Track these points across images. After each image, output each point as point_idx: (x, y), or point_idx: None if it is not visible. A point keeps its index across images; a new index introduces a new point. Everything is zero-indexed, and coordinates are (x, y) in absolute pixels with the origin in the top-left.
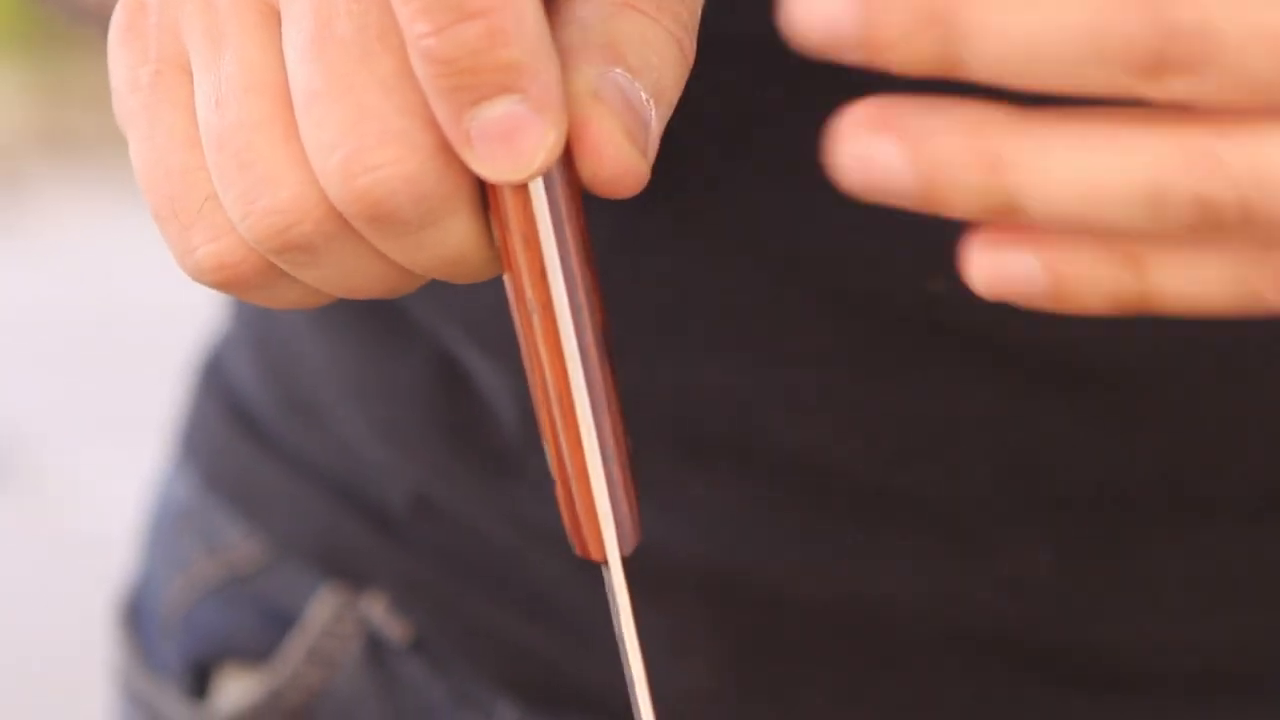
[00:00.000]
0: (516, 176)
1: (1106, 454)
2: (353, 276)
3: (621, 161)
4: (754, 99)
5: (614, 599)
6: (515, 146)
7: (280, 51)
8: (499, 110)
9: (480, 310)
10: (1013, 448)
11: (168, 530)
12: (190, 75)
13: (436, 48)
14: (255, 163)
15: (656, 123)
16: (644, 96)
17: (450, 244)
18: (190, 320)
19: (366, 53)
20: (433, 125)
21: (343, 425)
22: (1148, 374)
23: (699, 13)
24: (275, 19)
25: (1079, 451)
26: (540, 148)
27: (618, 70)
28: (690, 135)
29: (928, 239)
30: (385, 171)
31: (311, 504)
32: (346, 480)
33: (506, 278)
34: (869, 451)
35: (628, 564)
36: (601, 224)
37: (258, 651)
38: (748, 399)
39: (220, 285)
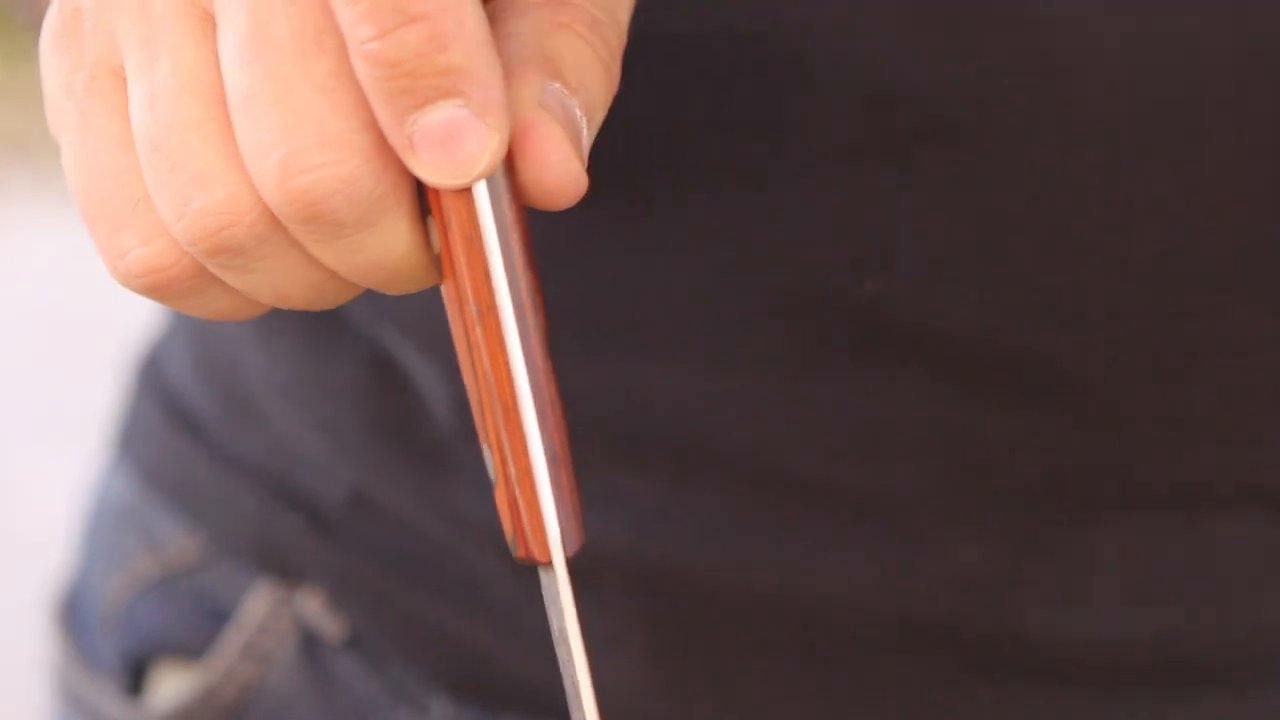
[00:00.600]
0: (459, 181)
1: (1043, 451)
2: (284, 282)
3: (567, 170)
4: (696, 102)
5: (558, 601)
6: (457, 150)
7: (215, 55)
8: (441, 114)
9: (416, 309)
10: (951, 445)
11: (106, 528)
12: (124, 80)
13: (380, 51)
14: (189, 163)
15: (587, 141)
16: (578, 113)
17: (386, 248)
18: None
19: (303, 54)
20: (370, 127)
21: (279, 423)
22: (1082, 372)
23: (625, 39)
24: (211, 24)
25: (1016, 448)
26: (483, 152)
27: (556, 84)
28: (631, 138)
29: (864, 241)
30: (324, 172)
31: (248, 501)
32: (283, 477)
33: (446, 284)
34: (808, 449)
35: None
36: (542, 226)
37: (194, 647)
38: (687, 398)
39: (149, 290)
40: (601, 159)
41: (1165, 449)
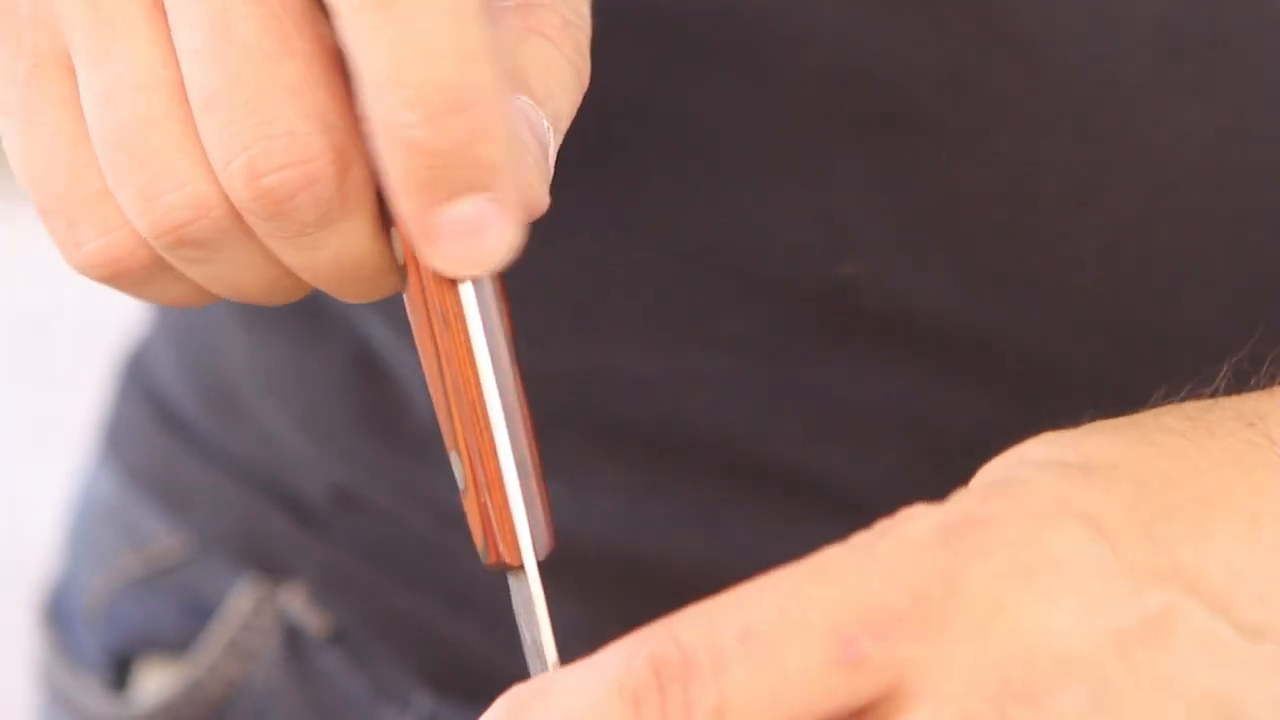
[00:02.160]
0: (473, 272)
1: (1016, 434)
2: (242, 276)
3: (532, 199)
4: (661, 85)
5: (530, 608)
6: (480, 244)
7: (171, 48)
8: (469, 209)
9: (401, 301)
10: (925, 429)
11: (90, 525)
12: (70, 70)
13: (422, 140)
14: (153, 160)
15: (553, 149)
16: (545, 125)
17: (346, 248)
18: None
19: (270, 57)
20: (335, 129)
21: (263, 418)
22: (1052, 355)
23: (590, 34)
24: (161, 13)
25: (989, 431)
26: (503, 245)
27: (523, 98)
28: (604, 121)
29: (836, 225)
30: (290, 172)
31: (232, 497)
32: (267, 473)
33: (411, 292)
34: (781, 434)
35: (541, 565)
36: None
37: (178, 643)
38: (660, 382)
39: (107, 279)
40: (569, 141)
41: None
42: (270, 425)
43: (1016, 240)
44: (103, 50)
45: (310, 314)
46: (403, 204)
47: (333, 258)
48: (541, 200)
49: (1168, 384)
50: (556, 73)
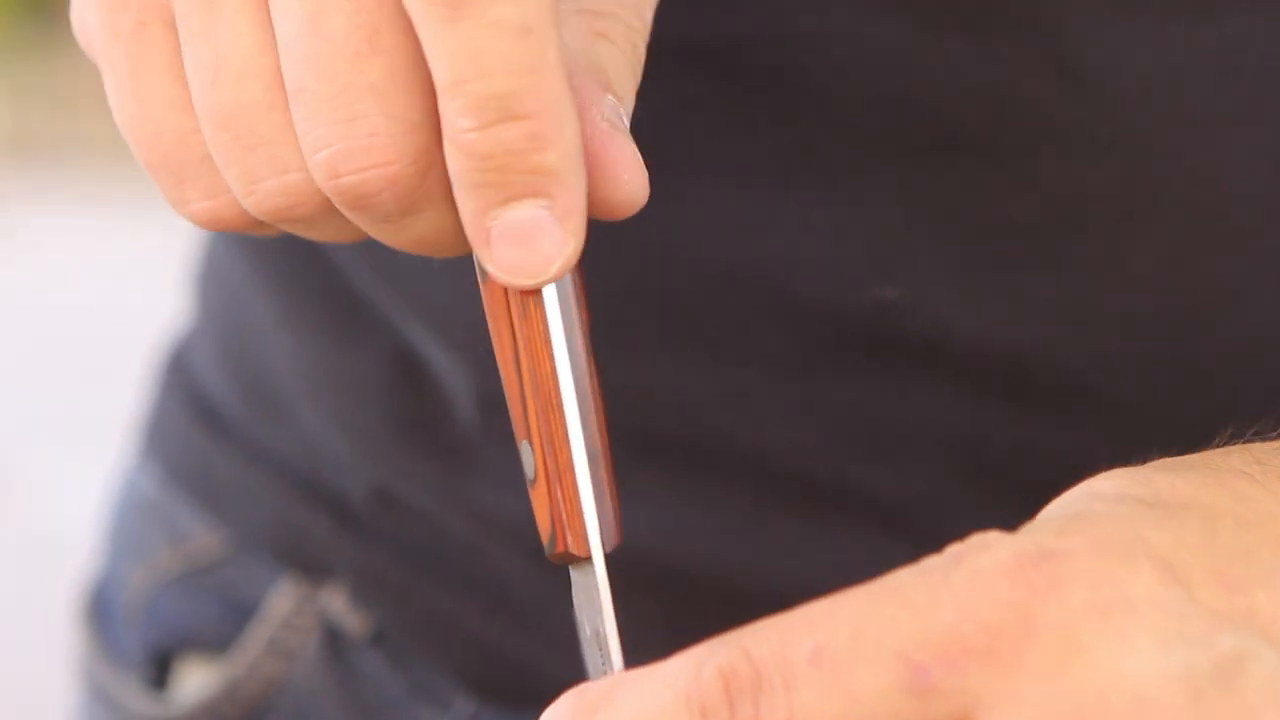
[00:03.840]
0: (528, 281)
1: (1057, 456)
2: (339, 236)
3: (638, 187)
4: (710, 106)
5: (595, 598)
6: (534, 251)
7: (271, 33)
8: (525, 213)
9: (442, 304)
10: (965, 449)
11: (131, 523)
12: (175, 32)
13: (476, 143)
14: (259, 147)
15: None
16: (626, 123)
17: (429, 229)
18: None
19: (358, 55)
20: (419, 129)
21: (304, 419)
22: (1094, 380)
23: (648, 42)
24: None
25: (1029, 453)
26: (558, 255)
27: (610, 98)
28: (649, 141)
29: (879, 248)
30: (370, 174)
31: (273, 497)
32: (308, 474)
33: (486, 280)
34: (818, 450)
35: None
36: None
37: (218, 642)
38: (699, 398)
39: (211, 229)
40: None
41: (1177, 455)
42: (310, 426)
43: (1065, 265)
44: (207, 28)
45: (350, 315)
46: (462, 205)
47: (417, 237)
48: (644, 192)
49: (1213, 410)
50: (625, 76)
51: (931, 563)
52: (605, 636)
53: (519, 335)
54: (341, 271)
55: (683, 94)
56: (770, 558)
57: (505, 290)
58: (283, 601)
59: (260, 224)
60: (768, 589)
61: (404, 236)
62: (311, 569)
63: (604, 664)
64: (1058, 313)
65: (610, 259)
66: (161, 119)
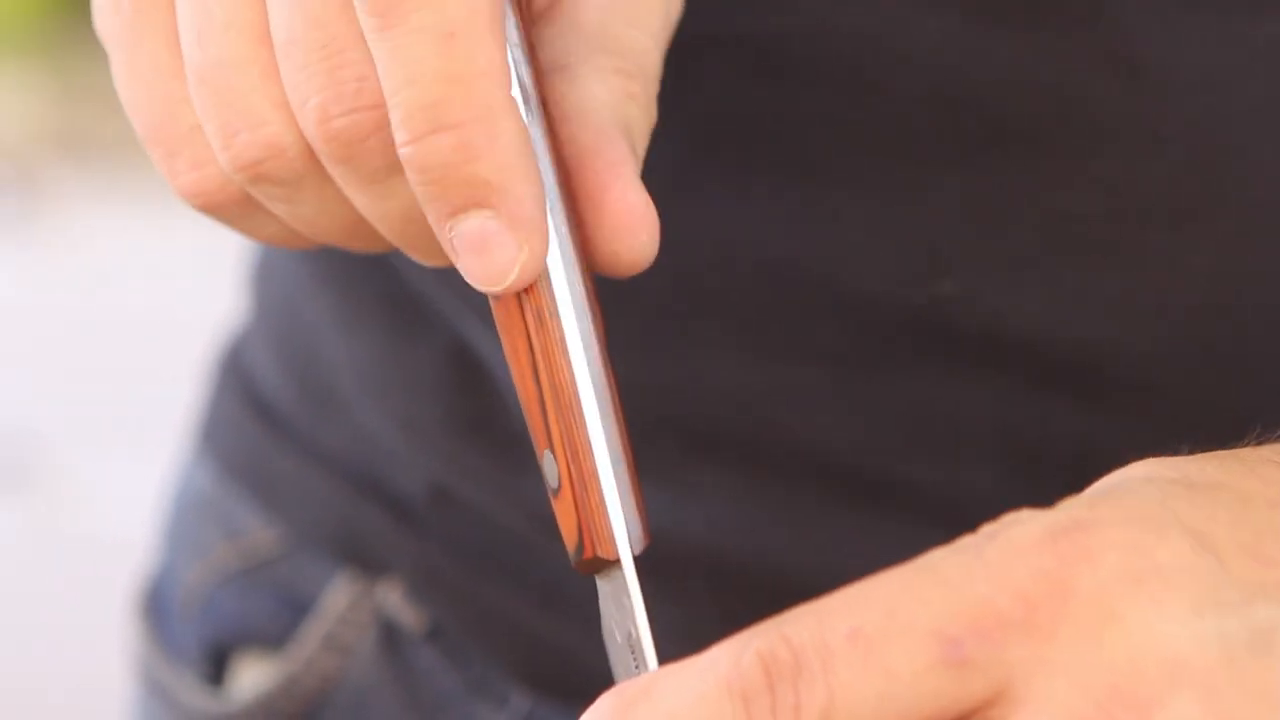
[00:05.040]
0: (492, 289)
1: (1110, 452)
2: (323, 217)
3: (647, 254)
4: (759, 101)
5: (624, 602)
6: (489, 261)
7: None
8: (472, 224)
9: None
10: (1017, 445)
11: (187, 519)
12: (173, 2)
13: (411, 156)
14: (235, 100)
15: None
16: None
17: (414, 201)
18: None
19: (346, 4)
20: None
21: (360, 415)
22: (1150, 374)
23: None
24: None
25: (1082, 449)
26: (513, 264)
27: (634, 160)
28: (702, 138)
29: (934, 242)
30: (360, 116)
31: (329, 493)
32: (364, 469)
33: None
34: (874, 446)
35: (638, 561)
36: None
37: (274, 638)
38: (755, 393)
39: (204, 209)
40: (669, 157)
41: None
42: (367, 422)
43: (1121, 260)
44: None
45: (407, 313)
46: (427, 217)
47: (402, 208)
48: (650, 259)
49: (1271, 404)
50: (645, 136)
51: (965, 541)
52: (638, 639)
53: (536, 344)
54: (398, 269)
55: (735, 90)
56: (825, 553)
57: (519, 301)
58: (339, 597)
59: (246, 201)
60: (822, 585)
61: (391, 205)
62: (368, 565)
63: (636, 668)
64: (1115, 308)
65: (667, 255)
66: (154, 86)
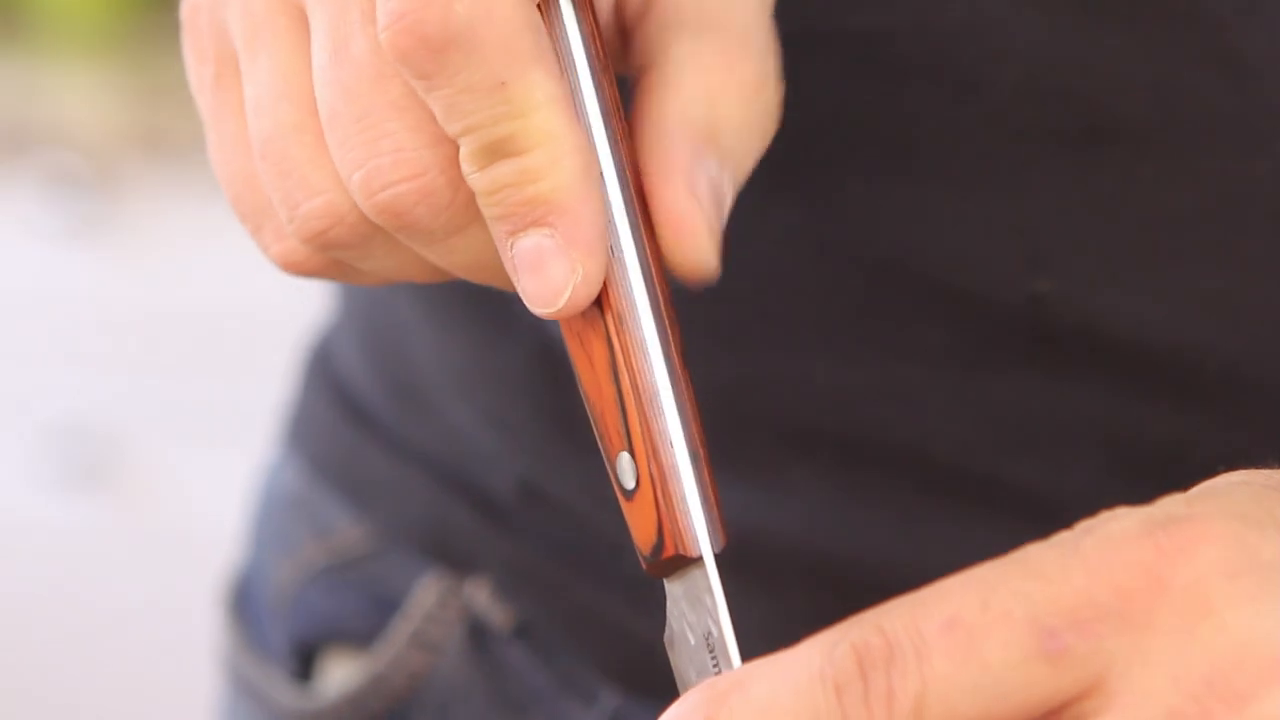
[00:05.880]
0: (547, 309)
1: (1211, 453)
2: (405, 269)
3: (703, 263)
4: (864, 98)
5: (703, 600)
6: (545, 279)
7: (309, 59)
8: (530, 242)
9: None
10: (1118, 444)
11: (276, 517)
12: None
13: (478, 181)
14: (292, 171)
15: (730, 202)
16: (726, 190)
17: (479, 250)
18: (283, 320)
19: (380, 75)
20: (444, 140)
21: (449, 413)
22: (1253, 375)
23: (782, 91)
24: (305, 25)
25: (1187, 449)
26: (567, 284)
27: (713, 161)
28: (800, 134)
29: (1033, 240)
30: (402, 188)
31: (417, 491)
32: (453, 467)
33: None
34: (973, 445)
35: (725, 558)
36: None
37: (363, 635)
38: (853, 391)
39: (300, 275)
40: (768, 150)
41: None
42: (456, 420)
43: (1223, 259)
44: (253, 61)
45: (495, 311)
46: (494, 237)
47: (472, 259)
48: (710, 269)
49: None
50: (749, 126)
51: (1061, 536)
52: (720, 638)
53: (616, 346)
54: None
55: (834, 86)
56: (921, 552)
57: (599, 305)
58: (427, 595)
59: (333, 265)
60: (917, 583)
61: (458, 259)
62: (456, 563)
63: (716, 668)
64: (1217, 307)
65: (766, 253)
66: (234, 161)
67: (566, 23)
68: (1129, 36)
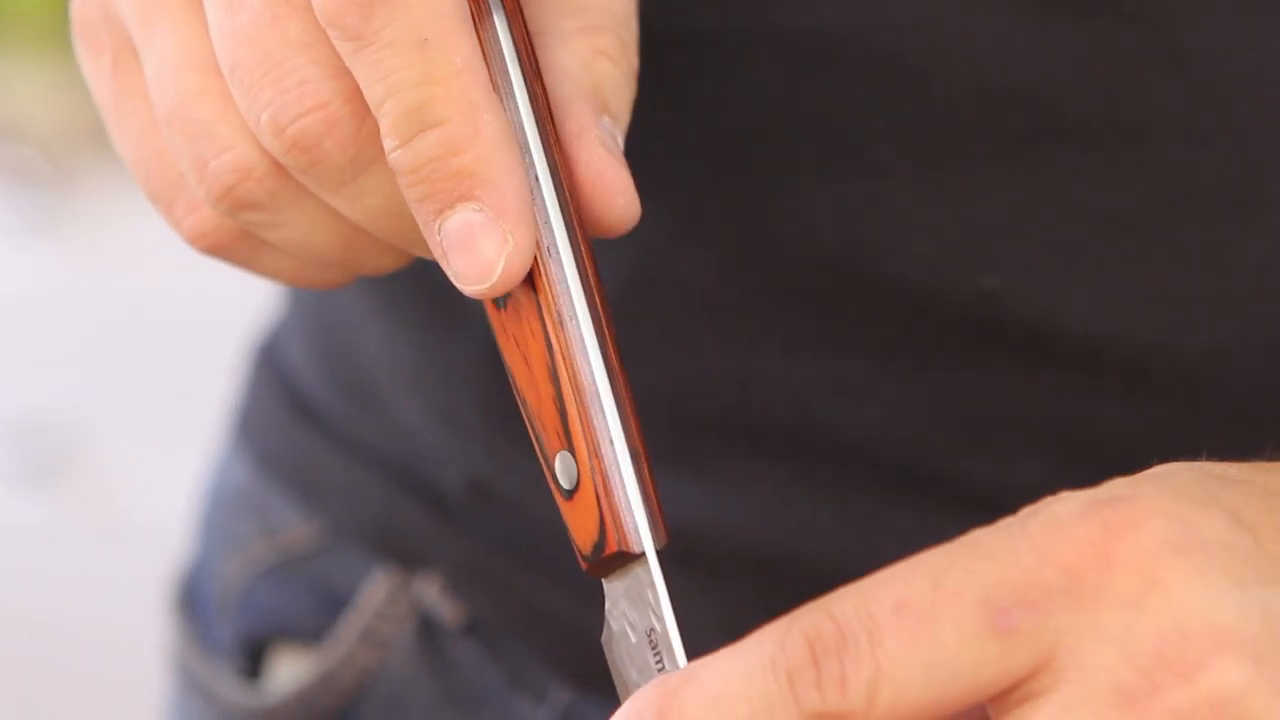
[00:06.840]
0: (481, 288)
1: (1163, 445)
2: (314, 237)
3: (630, 208)
4: (814, 94)
5: (647, 595)
6: (476, 254)
7: (204, 26)
8: (459, 219)
9: None
10: (1067, 440)
11: (224, 513)
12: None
13: (401, 159)
14: (200, 133)
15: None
16: (621, 140)
17: (390, 193)
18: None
19: (277, 16)
20: (346, 74)
21: (398, 409)
22: (1201, 370)
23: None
24: None
25: (1136, 442)
26: (499, 256)
27: (607, 119)
28: (749, 131)
29: (982, 237)
30: (309, 119)
31: (366, 487)
32: (401, 463)
33: (515, 295)
34: (924, 440)
35: (672, 554)
36: (662, 213)
37: (312, 632)
38: (803, 386)
39: (209, 252)
40: (716, 150)
41: None
42: (405, 416)
43: (1171, 254)
44: (150, 40)
45: (443, 307)
46: (419, 225)
47: (383, 203)
48: (636, 213)
49: None
50: (621, 90)
51: (1007, 520)
52: (664, 634)
53: (557, 345)
54: (432, 264)
55: (785, 82)
56: (874, 548)
57: (535, 304)
58: (377, 591)
59: (244, 237)
60: (864, 576)
61: (369, 202)
62: (406, 559)
63: (659, 665)
64: (1165, 302)
65: (715, 249)
66: (141, 142)
67: (496, 20)
68: (1077, 35)
